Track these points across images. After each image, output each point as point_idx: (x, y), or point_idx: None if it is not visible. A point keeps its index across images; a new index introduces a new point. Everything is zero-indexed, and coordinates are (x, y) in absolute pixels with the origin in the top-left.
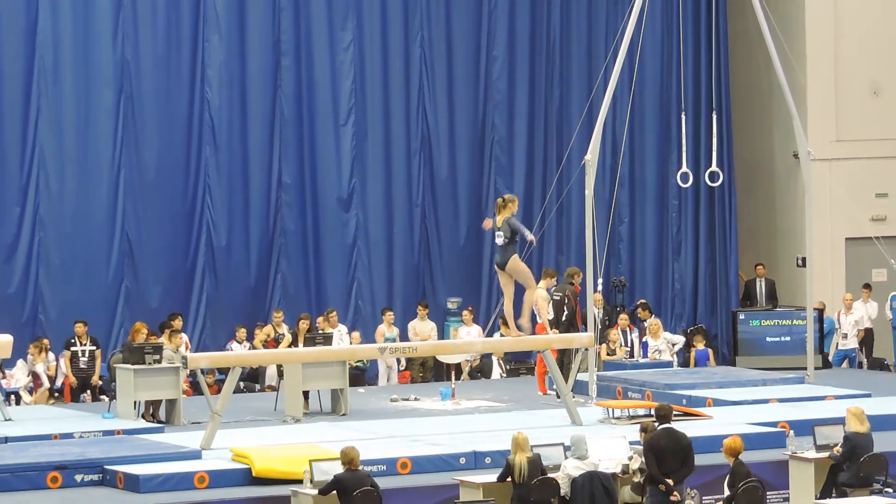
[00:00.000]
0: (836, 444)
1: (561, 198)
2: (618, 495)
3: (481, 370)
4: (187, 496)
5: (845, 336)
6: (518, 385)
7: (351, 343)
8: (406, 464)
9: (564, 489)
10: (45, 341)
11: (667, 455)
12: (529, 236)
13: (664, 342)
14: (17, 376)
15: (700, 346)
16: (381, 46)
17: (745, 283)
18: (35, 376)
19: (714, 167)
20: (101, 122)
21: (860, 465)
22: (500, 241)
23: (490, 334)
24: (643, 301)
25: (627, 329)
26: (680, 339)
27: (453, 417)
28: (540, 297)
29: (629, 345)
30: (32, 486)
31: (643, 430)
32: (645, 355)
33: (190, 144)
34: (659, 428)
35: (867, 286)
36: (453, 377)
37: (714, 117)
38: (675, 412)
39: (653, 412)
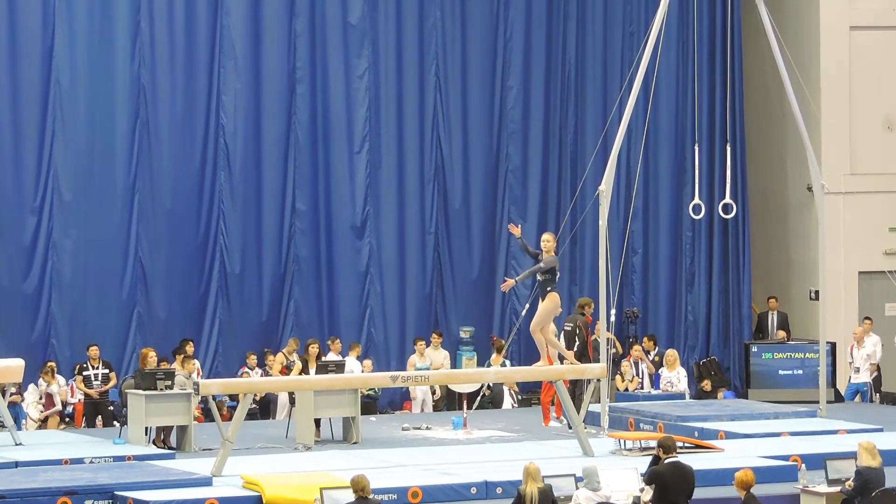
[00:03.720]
0: (847, 479)
1: (575, 228)
2: None
3: (492, 400)
4: None
5: (857, 370)
6: (530, 415)
7: (363, 371)
8: (417, 493)
9: None
10: (52, 365)
11: (671, 489)
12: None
13: (676, 375)
14: (28, 400)
15: (707, 386)
16: (395, 74)
17: (757, 316)
18: (49, 398)
19: (728, 199)
20: (116, 147)
21: (872, 500)
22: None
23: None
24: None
25: (639, 361)
26: (684, 383)
27: (465, 447)
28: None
29: (640, 376)
30: None
31: (656, 458)
32: (657, 387)
33: (204, 170)
34: (666, 461)
35: (867, 319)
36: (465, 406)
37: (728, 149)
38: (686, 444)
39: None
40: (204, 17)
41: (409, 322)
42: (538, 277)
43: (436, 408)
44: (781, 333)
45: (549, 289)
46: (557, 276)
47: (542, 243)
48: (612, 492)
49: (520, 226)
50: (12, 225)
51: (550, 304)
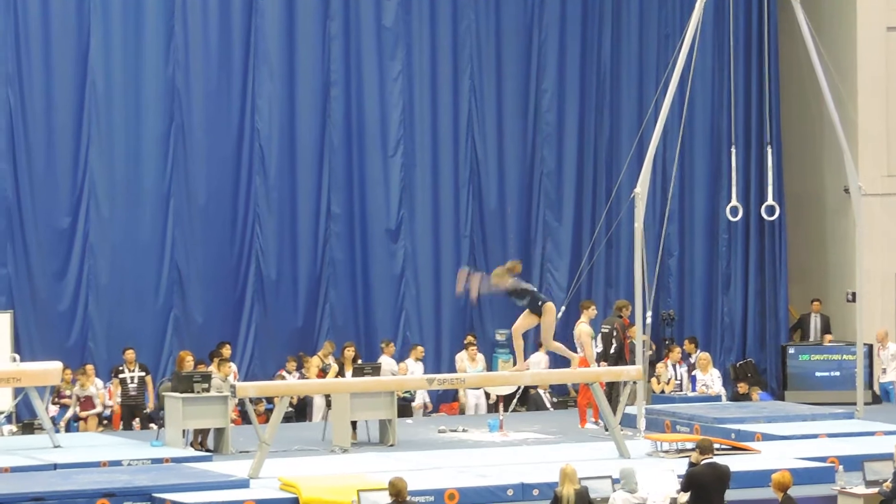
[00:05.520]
0: (885, 480)
1: (610, 231)
2: None
3: (537, 403)
4: None
5: (884, 371)
6: (566, 417)
7: (399, 374)
8: (454, 495)
9: None
10: (89, 367)
11: (709, 489)
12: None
13: (710, 377)
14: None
15: (743, 388)
16: (430, 77)
17: (799, 318)
18: (87, 400)
19: (770, 201)
20: (152, 150)
21: None
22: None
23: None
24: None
25: (677, 363)
26: (718, 385)
27: (501, 449)
28: (583, 331)
29: (678, 378)
30: None
31: (692, 463)
32: (693, 389)
33: (239, 174)
34: (703, 462)
35: None
36: (501, 409)
37: (768, 151)
38: (723, 446)
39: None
40: (238, 20)
41: (444, 325)
42: (519, 303)
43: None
44: (829, 337)
45: (540, 303)
46: (534, 289)
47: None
48: (648, 493)
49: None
50: (49, 229)
51: (549, 317)
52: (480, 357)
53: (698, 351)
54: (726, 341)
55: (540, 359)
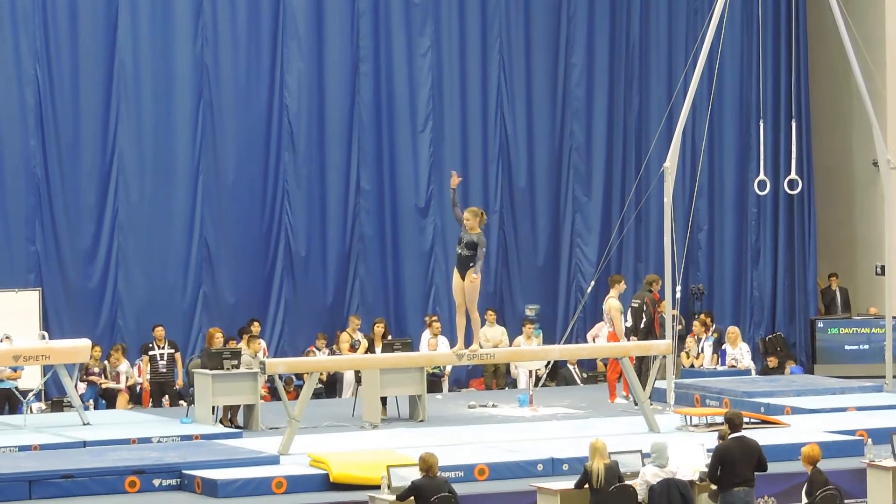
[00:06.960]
0: None
1: (640, 205)
2: (695, 503)
3: (566, 378)
4: (265, 501)
5: None
6: (596, 392)
7: (428, 349)
8: (483, 470)
9: (642, 496)
10: (122, 345)
11: (738, 463)
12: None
13: (739, 351)
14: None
15: (773, 362)
16: (459, 53)
17: (821, 292)
18: (117, 377)
19: (793, 175)
20: (180, 127)
21: None
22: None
23: (570, 341)
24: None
25: (704, 337)
26: (747, 359)
27: (531, 424)
28: (613, 306)
29: (703, 352)
30: (111, 491)
31: (721, 437)
32: (723, 363)
33: (268, 150)
34: (730, 437)
35: None
36: (530, 384)
37: (794, 125)
38: (752, 420)
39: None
40: None
41: None
42: (460, 251)
43: (495, 387)
44: (874, 310)
45: (471, 265)
46: (483, 251)
47: (464, 221)
48: (677, 467)
49: (460, 178)
50: (77, 206)
51: (474, 284)
52: (501, 330)
53: (714, 325)
54: (755, 315)
55: (601, 327)
